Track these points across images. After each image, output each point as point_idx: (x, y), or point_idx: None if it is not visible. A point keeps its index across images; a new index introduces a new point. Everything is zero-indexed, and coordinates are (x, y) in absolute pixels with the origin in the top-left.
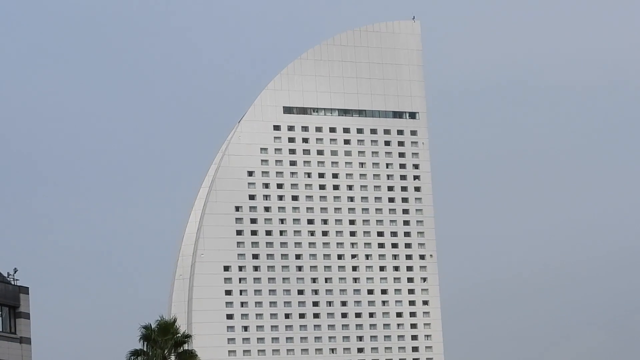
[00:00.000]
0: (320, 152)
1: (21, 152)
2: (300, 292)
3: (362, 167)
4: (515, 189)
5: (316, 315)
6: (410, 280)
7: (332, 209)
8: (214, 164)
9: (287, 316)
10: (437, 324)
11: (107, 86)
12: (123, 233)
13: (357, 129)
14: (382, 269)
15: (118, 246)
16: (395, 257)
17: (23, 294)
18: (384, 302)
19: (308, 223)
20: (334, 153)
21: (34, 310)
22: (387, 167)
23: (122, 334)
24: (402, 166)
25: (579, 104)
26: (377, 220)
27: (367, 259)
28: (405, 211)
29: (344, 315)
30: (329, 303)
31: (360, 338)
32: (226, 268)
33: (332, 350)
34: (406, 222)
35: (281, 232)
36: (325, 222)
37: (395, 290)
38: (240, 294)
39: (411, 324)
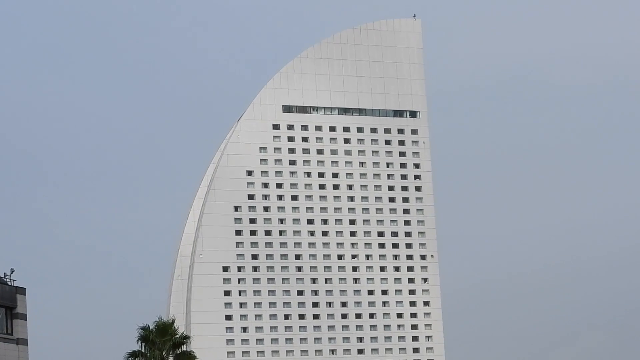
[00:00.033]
0: (320, 152)
1: (21, 152)
2: (300, 292)
3: (362, 166)
4: (516, 188)
5: (316, 316)
6: (410, 280)
7: (332, 208)
8: (213, 164)
9: (286, 317)
10: (438, 325)
11: (106, 85)
12: (121, 233)
13: (357, 127)
14: (382, 269)
15: (116, 246)
16: (395, 257)
17: (20, 295)
18: (384, 303)
19: (308, 223)
20: (333, 152)
21: (31, 311)
22: (387, 167)
23: (120, 335)
24: (403, 165)
25: (580, 103)
26: (377, 220)
27: (368, 259)
28: (406, 211)
29: (344, 316)
30: (329, 304)
31: (360, 339)
32: (225, 268)
33: (332, 351)
34: (407, 222)
35: (281, 232)
36: (325, 222)
37: (396, 290)
38: (240, 295)
39: (412, 325)
